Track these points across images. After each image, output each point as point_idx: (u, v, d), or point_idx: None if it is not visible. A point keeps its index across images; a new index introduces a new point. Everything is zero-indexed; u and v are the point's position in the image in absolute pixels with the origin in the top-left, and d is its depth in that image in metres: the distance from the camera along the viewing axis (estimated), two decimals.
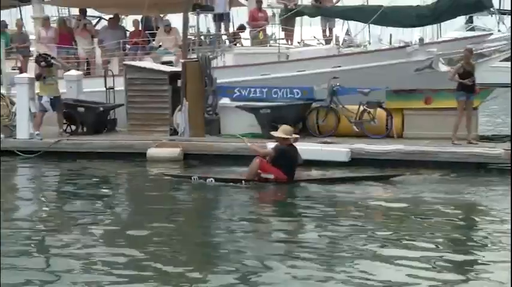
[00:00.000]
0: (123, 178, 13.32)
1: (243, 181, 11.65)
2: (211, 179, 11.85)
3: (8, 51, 18.33)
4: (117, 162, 14.30)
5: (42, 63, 15.75)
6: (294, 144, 11.87)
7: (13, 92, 16.40)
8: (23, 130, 15.68)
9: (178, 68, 16.04)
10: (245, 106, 15.24)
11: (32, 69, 18.18)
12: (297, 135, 12.26)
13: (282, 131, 11.85)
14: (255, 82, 16.11)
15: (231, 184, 11.68)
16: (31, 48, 19.76)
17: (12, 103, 16.17)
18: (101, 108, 16.50)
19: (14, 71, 18.09)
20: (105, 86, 17.11)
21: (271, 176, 11.54)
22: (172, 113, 15.69)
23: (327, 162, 13.19)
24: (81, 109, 16.23)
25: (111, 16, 20.29)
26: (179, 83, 15.70)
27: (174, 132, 15.53)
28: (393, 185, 11.78)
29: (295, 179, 11.73)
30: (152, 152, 14.40)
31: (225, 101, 15.67)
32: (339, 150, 13.51)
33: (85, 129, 16.27)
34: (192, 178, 12.03)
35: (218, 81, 15.69)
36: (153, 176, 12.96)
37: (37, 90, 15.85)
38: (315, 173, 12.71)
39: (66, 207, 10.58)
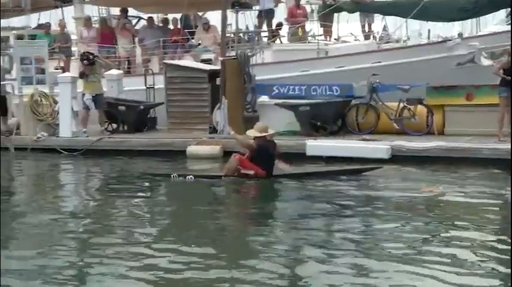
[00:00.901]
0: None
1: (222, 177, 11.59)
2: (191, 176, 11.75)
3: (50, 51, 18.43)
4: (158, 160, 14.25)
5: (85, 62, 15.84)
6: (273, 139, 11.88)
7: (56, 91, 16.47)
8: (66, 128, 15.80)
9: (218, 66, 15.95)
10: (284, 103, 15.08)
11: (74, 68, 18.32)
12: (273, 131, 12.08)
13: (257, 129, 11.75)
14: (293, 79, 15.93)
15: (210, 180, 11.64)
16: (73, 48, 19.91)
17: (55, 102, 16.25)
18: (141, 107, 16.51)
19: (57, 70, 18.20)
20: (145, 85, 17.13)
21: (251, 172, 11.47)
22: (212, 111, 15.59)
23: (366, 159, 12.96)
24: (122, 108, 16.26)
25: (150, 16, 20.31)
26: (218, 81, 15.60)
27: (214, 130, 15.43)
28: (422, 180, 11.55)
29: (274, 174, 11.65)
30: (192, 149, 14.32)
31: (263, 98, 15.53)
32: (379, 147, 13.29)
33: (126, 127, 16.28)
34: (172, 176, 11.90)
35: (257, 78, 15.58)
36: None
37: (81, 88, 15.93)
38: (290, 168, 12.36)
39: (106, 204, 10.52)
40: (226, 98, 15.12)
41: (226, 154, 14.16)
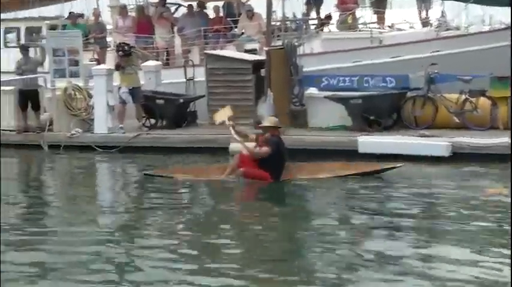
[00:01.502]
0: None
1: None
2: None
3: (85, 42, 18.47)
4: (199, 157, 14.17)
5: (120, 53, 15.82)
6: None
7: (90, 85, 16.50)
8: (101, 124, 15.79)
9: (262, 57, 15.84)
10: (334, 96, 14.91)
11: (110, 60, 18.34)
12: (283, 127, 12.21)
13: (270, 121, 11.72)
14: (344, 70, 15.80)
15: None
16: (108, 39, 19.92)
17: (90, 96, 16.26)
18: (181, 101, 16.45)
19: (91, 62, 18.21)
20: (185, 77, 17.09)
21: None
22: (256, 104, 15.47)
23: (424, 157, 12.77)
24: (160, 101, 16.21)
25: (190, 3, 20.22)
26: (263, 72, 15.48)
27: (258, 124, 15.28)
28: (486, 181, 11.27)
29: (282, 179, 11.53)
30: (235, 146, 14.12)
31: (312, 91, 15.37)
32: (438, 144, 13.08)
33: (164, 122, 16.24)
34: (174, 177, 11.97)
35: (305, 69, 15.45)
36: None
37: (117, 81, 15.93)
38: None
39: (144, 207, 10.45)
40: (271, 91, 14.99)
41: None
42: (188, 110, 16.71)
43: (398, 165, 11.81)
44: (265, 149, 11.43)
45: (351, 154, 13.18)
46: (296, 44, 15.77)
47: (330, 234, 8.42)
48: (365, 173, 11.68)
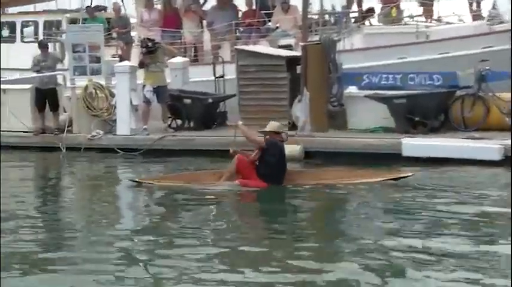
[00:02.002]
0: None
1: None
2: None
3: (107, 37, 18.58)
4: (228, 161, 14.17)
5: (143, 50, 15.90)
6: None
7: (113, 83, 16.61)
8: (124, 125, 15.91)
9: (298, 53, 15.85)
10: (376, 95, 14.91)
11: (135, 56, 18.44)
12: (287, 132, 12.35)
13: (271, 126, 11.82)
14: (388, 67, 15.75)
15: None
16: (132, 33, 20.02)
17: (112, 95, 16.37)
18: (210, 100, 16.51)
19: (114, 59, 18.33)
20: (214, 75, 17.14)
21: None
22: (291, 104, 15.48)
23: (474, 161, 12.74)
24: (188, 101, 16.31)
25: None
26: (299, 69, 15.48)
27: (293, 126, 15.26)
28: None
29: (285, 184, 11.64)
30: None
31: (351, 89, 15.38)
32: (489, 147, 13.04)
33: (192, 124, 16.31)
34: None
35: (344, 66, 15.42)
36: None
37: (141, 79, 16.02)
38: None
39: (168, 216, 10.54)
40: (307, 90, 14.99)
41: (308, 154, 14.07)
42: (217, 110, 16.77)
43: (409, 174, 11.73)
44: (260, 139, 11.70)
45: (394, 158, 13.18)
46: (335, 39, 15.74)
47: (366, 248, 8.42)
48: (376, 181, 11.67)
